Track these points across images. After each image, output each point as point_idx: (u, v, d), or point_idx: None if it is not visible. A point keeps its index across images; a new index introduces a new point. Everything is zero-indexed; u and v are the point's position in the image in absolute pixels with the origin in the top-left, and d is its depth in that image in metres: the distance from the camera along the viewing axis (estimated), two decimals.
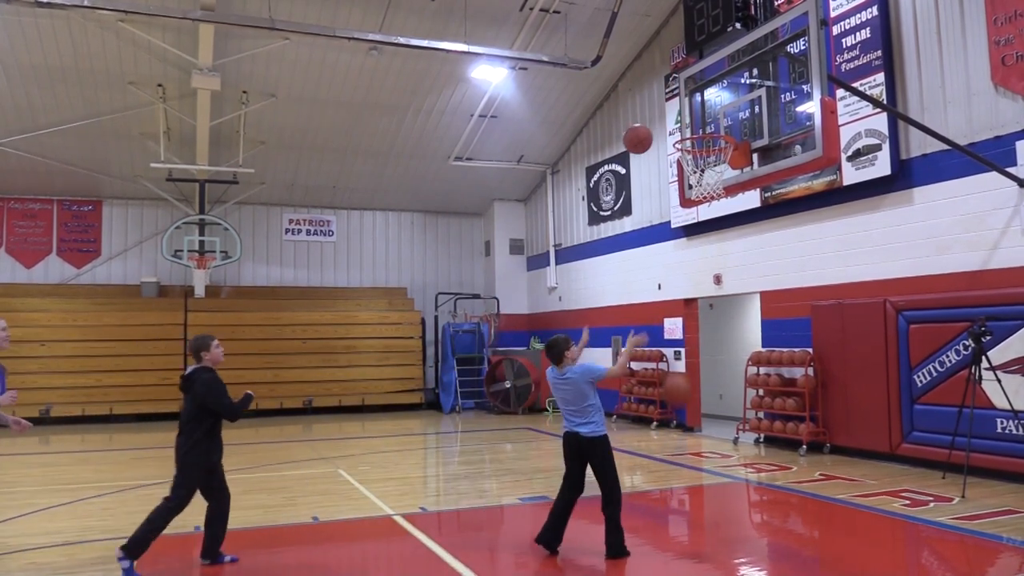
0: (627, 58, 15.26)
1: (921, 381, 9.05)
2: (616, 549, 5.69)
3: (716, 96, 8.37)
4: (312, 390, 17.47)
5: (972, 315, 8.26)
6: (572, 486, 5.91)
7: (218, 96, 14.26)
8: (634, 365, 14.92)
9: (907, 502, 7.32)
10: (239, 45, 13.36)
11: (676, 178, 12.22)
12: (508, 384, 17.05)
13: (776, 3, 10.27)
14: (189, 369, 5.92)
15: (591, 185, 16.99)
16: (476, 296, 20.06)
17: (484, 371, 17.98)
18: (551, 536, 5.86)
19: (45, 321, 15.55)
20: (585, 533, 6.62)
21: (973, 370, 7.83)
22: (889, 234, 9.77)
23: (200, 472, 5.70)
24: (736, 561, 5.76)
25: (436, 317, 19.30)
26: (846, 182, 10.16)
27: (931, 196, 9.27)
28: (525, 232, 20.30)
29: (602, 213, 16.51)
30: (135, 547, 5.27)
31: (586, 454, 5.79)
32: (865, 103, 9.63)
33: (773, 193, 11.40)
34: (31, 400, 14.80)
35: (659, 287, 14.43)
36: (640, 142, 7.85)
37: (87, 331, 15.96)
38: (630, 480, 9.39)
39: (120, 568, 5.22)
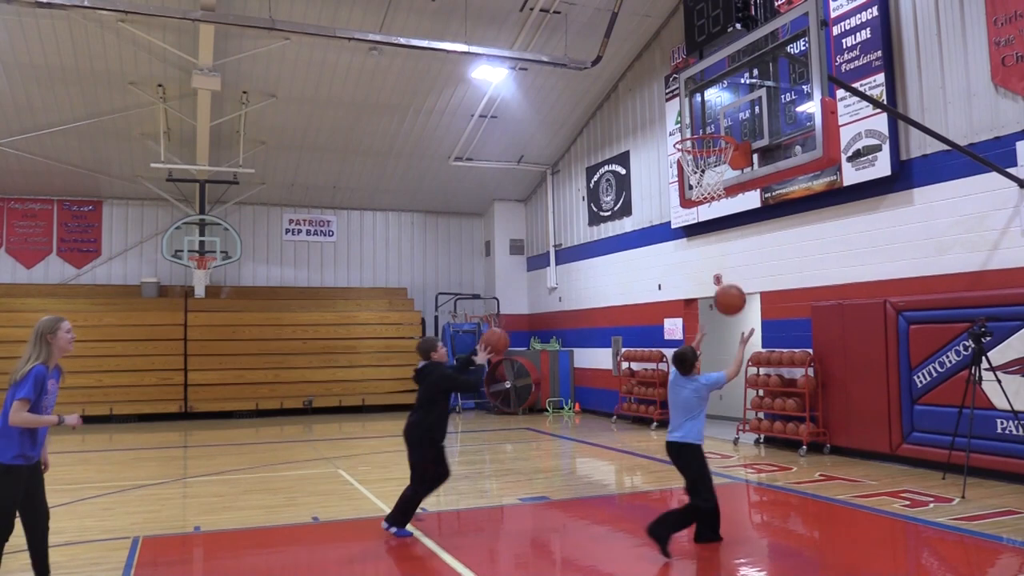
0: (627, 58, 15.27)
1: (921, 381, 9.05)
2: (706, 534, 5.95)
3: (716, 96, 8.37)
4: (312, 390, 17.47)
5: (972, 316, 8.26)
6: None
7: (218, 96, 14.27)
8: (634, 366, 14.93)
9: (907, 503, 7.32)
10: (239, 45, 13.36)
11: (676, 178, 12.23)
12: (508, 384, 17.05)
13: (776, 3, 10.27)
14: (421, 364, 6.72)
15: (591, 185, 16.99)
16: (476, 296, 20.06)
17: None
18: (709, 533, 6.01)
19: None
20: (586, 533, 6.62)
21: (973, 371, 7.82)
22: (889, 235, 9.78)
23: (432, 447, 6.53)
24: (736, 561, 5.75)
25: (436, 317, 19.30)
26: (846, 182, 10.17)
27: (931, 197, 9.27)
28: (525, 232, 20.31)
29: (602, 213, 16.51)
30: (399, 517, 6.40)
31: (676, 459, 5.94)
32: (865, 103, 9.63)
33: (773, 194, 11.40)
34: None
35: (659, 287, 14.44)
36: (730, 307, 7.07)
37: (87, 331, 15.95)
38: (630, 480, 9.40)
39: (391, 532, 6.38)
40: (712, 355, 14.87)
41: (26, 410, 4.48)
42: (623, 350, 15.34)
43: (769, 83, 7.63)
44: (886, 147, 9.63)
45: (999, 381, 7.81)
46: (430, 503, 7.96)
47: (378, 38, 12.32)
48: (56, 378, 4.73)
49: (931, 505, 7.19)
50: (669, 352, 14.07)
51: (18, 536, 6.47)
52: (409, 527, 6.53)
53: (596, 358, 16.50)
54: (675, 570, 5.64)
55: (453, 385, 6.61)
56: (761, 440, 11.50)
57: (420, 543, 6.24)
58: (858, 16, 10.00)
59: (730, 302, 6.55)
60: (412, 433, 6.53)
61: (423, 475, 6.50)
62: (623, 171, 15.75)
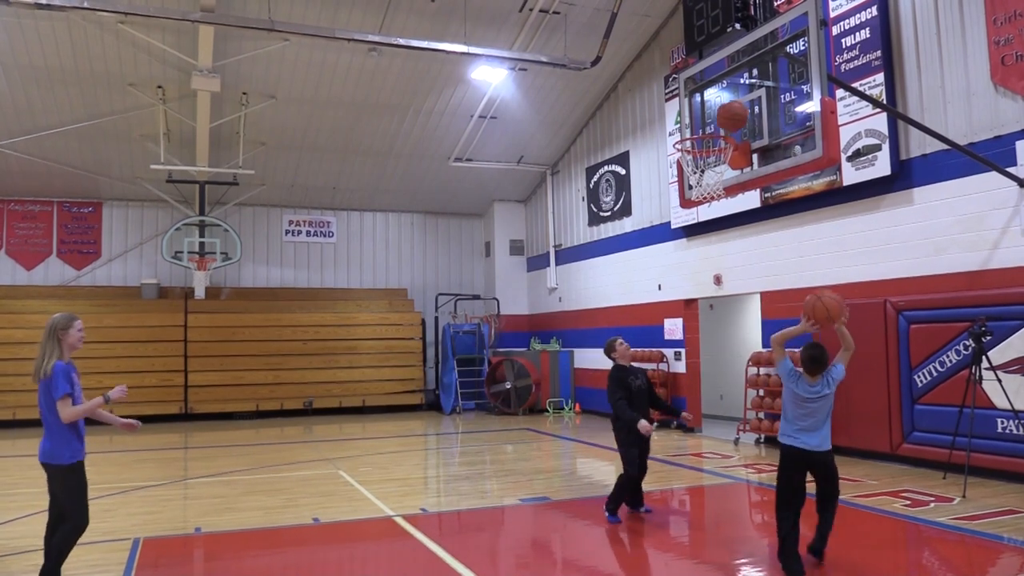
0: (627, 59, 15.27)
1: (921, 381, 9.05)
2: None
3: (716, 96, 8.36)
4: (313, 391, 17.47)
5: (972, 315, 8.26)
6: (798, 512, 5.33)
7: (218, 97, 14.27)
8: (634, 366, 14.89)
9: (908, 502, 7.32)
10: (239, 46, 13.36)
11: (676, 179, 12.22)
12: (508, 385, 17.05)
13: (776, 3, 10.28)
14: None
15: (591, 186, 16.99)
16: (476, 297, 20.06)
17: (484, 372, 17.98)
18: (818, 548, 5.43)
19: (45, 323, 15.52)
20: (587, 534, 6.62)
21: (973, 370, 7.83)
22: (889, 234, 9.78)
23: (629, 445, 6.83)
24: (736, 561, 5.75)
25: (436, 318, 19.30)
26: (846, 182, 10.17)
27: (931, 196, 9.27)
28: (525, 233, 20.31)
29: (602, 214, 16.51)
30: (612, 503, 6.84)
31: (826, 470, 5.30)
32: (865, 103, 9.63)
33: (773, 193, 11.40)
34: (31, 402, 14.77)
35: (659, 288, 14.44)
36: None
37: (87, 333, 15.79)
38: None
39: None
40: (712, 355, 14.89)
41: (70, 405, 4.70)
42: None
43: (769, 83, 7.63)
44: (886, 147, 9.63)
45: (999, 380, 7.81)
46: (431, 504, 7.96)
47: (378, 39, 12.31)
48: (74, 370, 4.89)
49: (932, 505, 7.19)
50: (669, 352, 14.07)
51: (20, 537, 6.48)
52: (421, 533, 6.52)
53: (596, 358, 16.48)
54: (675, 570, 5.64)
55: (609, 397, 6.95)
56: (761, 440, 11.50)
57: (421, 544, 6.25)
58: (857, 16, 10.00)
59: (829, 306, 5.55)
60: (617, 439, 6.99)
61: (625, 466, 6.87)
62: (623, 171, 15.75)
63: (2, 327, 15.66)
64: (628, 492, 6.97)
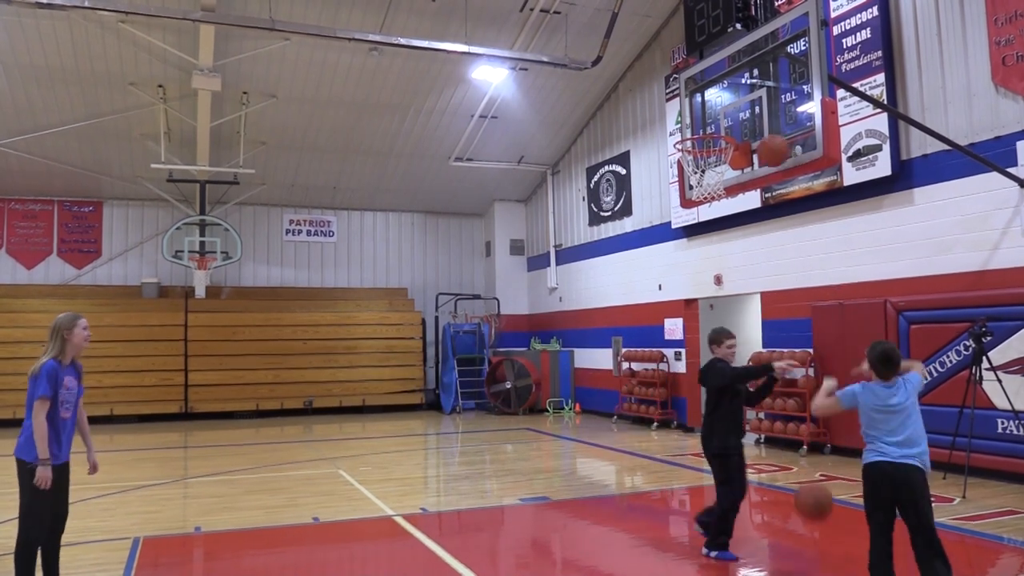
0: (628, 58, 15.27)
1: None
2: None
3: (716, 96, 8.37)
4: (313, 391, 17.47)
5: (973, 315, 8.26)
6: (889, 539, 4.70)
7: (218, 97, 14.26)
8: (635, 366, 14.92)
9: None
10: (240, 46, 13.36)
11: (676, 178, 12.22)
12: (509, 385, 17.05)
13: (776, 3, 10.27)
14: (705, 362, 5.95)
15: (591, 186, 16.99)
16: (477, 297, 20.06)
17: (485, 372, 17.98)
18: None
19: (45, 322, 15.34)
20: (587, 534, 6.62)
21: (974, 370, 7.83)
22: (889, 234, 9.78)
23: (735, 454, 5.66)
24: (736, 561, 5.75)
25: (437, 318, 19.30)
26: (846, 182, 10.17)
27: (931, 196, 9.27)
28: (525, 233, 20.31)
29: (602, 214, 16.51)
30: (716, 538, 5.61)
31: (916, 493, 4.51)
32: (865, 103, 9.63)
33: (774, 194, 11.40)
34: None
35: (660, 287, 14.43)
36: (774, 152, 6.57)
37: None
38: (630, 481, 9.40)
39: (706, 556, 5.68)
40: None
41: (47, 409, 4.55)
42: (623, 350, 15.33)
43: (769, 83, 7.63)
44: (886, 147, 9.62)
45: (1000, 381, 7.81)
46: (431, 503, 7.96)
47: (378, 38, 12.31)
48: (74, 375, 4.79)
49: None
50: (669, 352, 14.06)
51: None
52: (421, 533, 6.50)
53: (596, 358, 16.49)
54: (675, 570, 5.64)
55: (725, 378, 5.64)
56: (762, 440, 11.50)
57: (421, 544, 6.25)
58: (858, 16, 10.00)
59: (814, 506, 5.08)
60: (711, 451, 5.75)
61: (718, 488, 5.71)
62: (623, 171, 15.75)
63: (2, 326, 15.66)
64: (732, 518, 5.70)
